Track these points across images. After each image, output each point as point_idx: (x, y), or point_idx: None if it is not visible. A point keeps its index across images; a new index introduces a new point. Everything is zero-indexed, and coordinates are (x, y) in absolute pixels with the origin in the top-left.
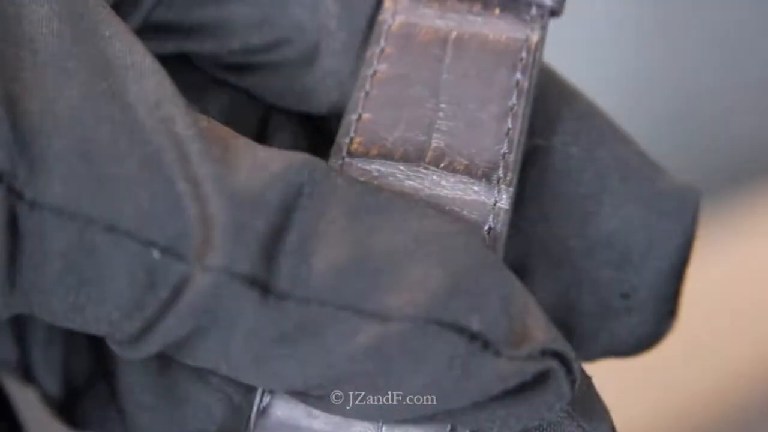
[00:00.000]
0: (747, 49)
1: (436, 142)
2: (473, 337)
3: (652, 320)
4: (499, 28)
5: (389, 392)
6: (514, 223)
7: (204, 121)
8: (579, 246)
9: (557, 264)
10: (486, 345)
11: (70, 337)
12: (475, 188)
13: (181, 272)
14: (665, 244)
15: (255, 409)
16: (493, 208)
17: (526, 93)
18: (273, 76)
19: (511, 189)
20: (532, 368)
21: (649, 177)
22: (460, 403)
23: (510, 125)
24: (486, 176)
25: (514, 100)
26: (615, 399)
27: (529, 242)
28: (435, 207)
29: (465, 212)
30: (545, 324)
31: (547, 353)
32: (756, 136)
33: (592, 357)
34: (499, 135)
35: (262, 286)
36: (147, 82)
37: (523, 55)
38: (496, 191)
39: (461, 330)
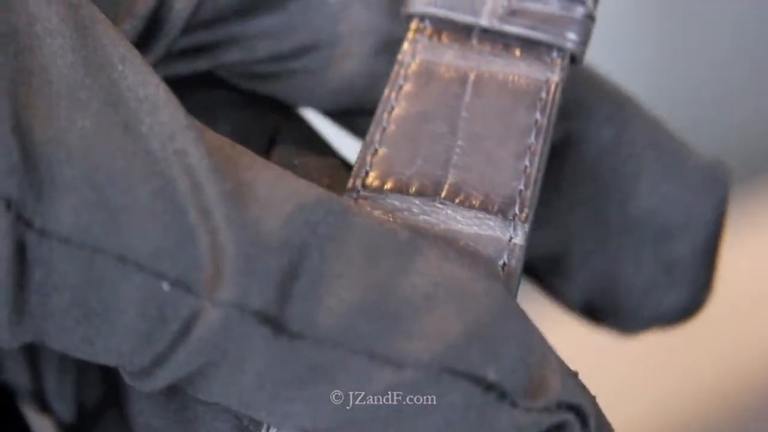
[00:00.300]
0: (746, 49)
1: (453, 177)
2: (489, 387)
3: (693, 291)
4: (519, 69)
5: None
6: (554, 208)
7: (218, 146)
8: (620, 225)
9: (599, 244)
10: (502, 395)
11: (83, 364)
12: (491, 223)
13: (191, 306)
14: (701, 217)
15: None
16: (508, 244)
17: (545, 132)
18: (300, 80)
19: (527, 225)
20: (547, 420)
21: (681, 155)
22: None
23: (527, 163)
24: (502, 212)
25: (532, 138)
26: (614, 398)
27: (570, 226)
28: (451, 243)
29: (480, 247)
30: (563, 375)
31: (563, 405)
32: (756, 136)
33: (636, 329)
34: (517, 172)
35: (275, 323)
36: (160, 114)
37: (543, 95)
38: (511, 227)
39: (477, 380)
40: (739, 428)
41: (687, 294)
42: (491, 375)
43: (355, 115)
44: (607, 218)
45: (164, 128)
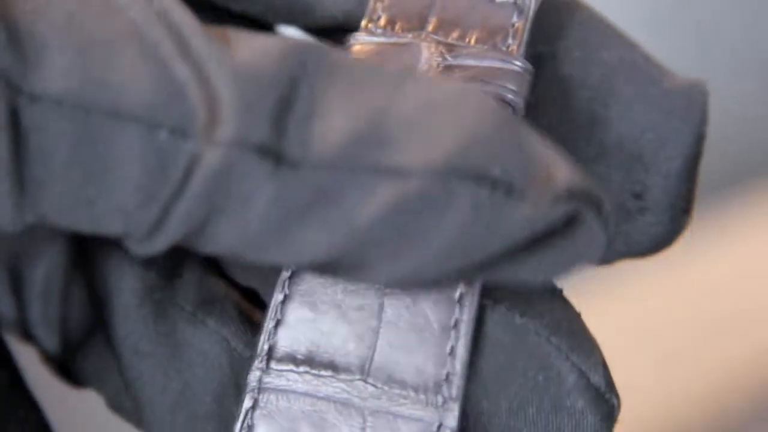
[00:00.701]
0: (746, 48)
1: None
2: (495, 184)
3: (667, 219)
4: None
5: (416, 251)
6: None
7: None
8: (588, 151)
9: None
10: (509, 191)
11: (67, 290)
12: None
13: (190, 151)
14: (675, 142)
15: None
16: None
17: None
18: None
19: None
20: (559, 210)
21: (655, 77)
22: (489, 254)
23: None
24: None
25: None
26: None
27: None
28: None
29: None
30: (570, 168)
31: (574, 195)
32: (755, 136)
33: (608, 260)
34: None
35: (275, 155)
36: None
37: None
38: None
39: (482, 179)
40: (738, 428)
41: (660, 223)
42: (496, 172)
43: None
44: (575, 144)
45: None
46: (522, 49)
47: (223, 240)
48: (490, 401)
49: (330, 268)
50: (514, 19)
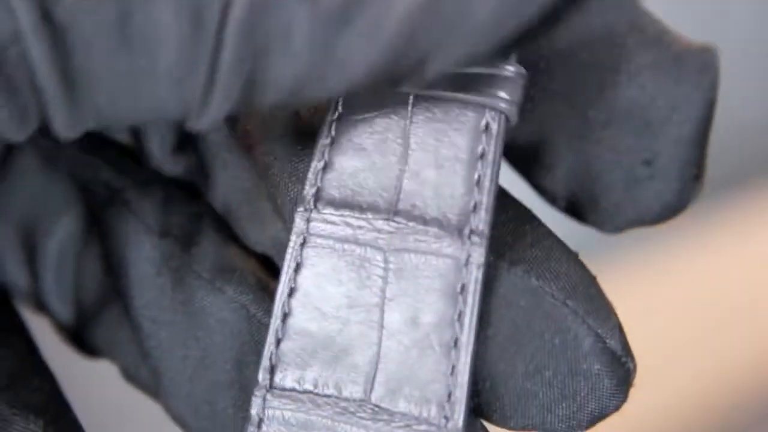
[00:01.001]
0: (746, 48)
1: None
2: None
3: (676, 186)
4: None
5: (462, 29)
6: (531, 97)
7: None
8: (598, 116)
9: (578, 136)
10: None
11: (81, 260)
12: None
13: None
14: (685, 108)
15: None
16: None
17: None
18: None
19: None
20: None
21: (665, 42)
22: (530, 13)
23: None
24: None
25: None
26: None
27: (548, 117)
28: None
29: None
30: None
31: None
32: (755, 136)
33: (619, 227)
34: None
35: None
36: None
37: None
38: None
39: None
40: (738, 427)
41: (670, 189)
42: None
43: None
44: (585, 109)
45: None
46: None
47: (279, 81)
48: (506, 363)
49: (389, 77)
50: None
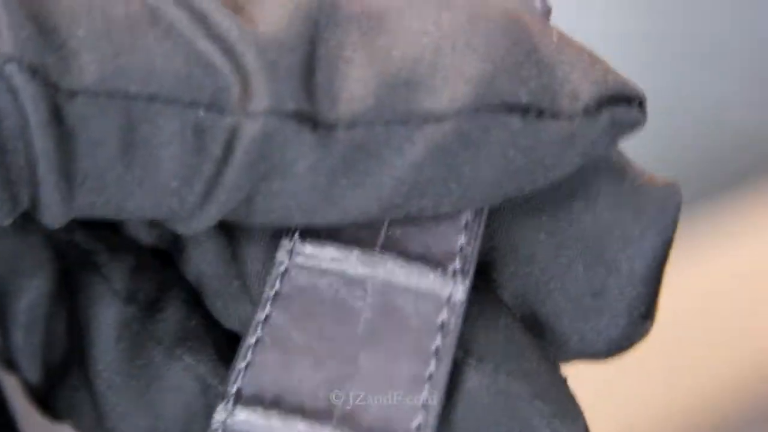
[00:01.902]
0: (746, 48)
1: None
2: (526, 110)
3: (624, 323)
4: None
5: (464, 188)
6: (492, 209)
7: None
8: (549, 241)
9: (526, 260)
10: (540, 113)
11: (51, 320)
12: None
13: (228, 125)
14: (640, 243)
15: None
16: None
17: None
18: None
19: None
20: (602, 122)
21: (626, 172)
22: (536, 179)
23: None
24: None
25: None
26: (610, 399)
27: (496, 236)
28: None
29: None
30: (595, 73)
31: (604, 100)
32: (755, 135)
33: (564, 358)
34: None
35: (310, 119)
36: None
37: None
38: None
39: (512, 107)
40: (738, 428)
41: (616, 326)
42: (524, 98)
43: None
44: (536, 231)
45: None
46: None
47: (272, 210)
48: None
49: (380, 218)
50: None
